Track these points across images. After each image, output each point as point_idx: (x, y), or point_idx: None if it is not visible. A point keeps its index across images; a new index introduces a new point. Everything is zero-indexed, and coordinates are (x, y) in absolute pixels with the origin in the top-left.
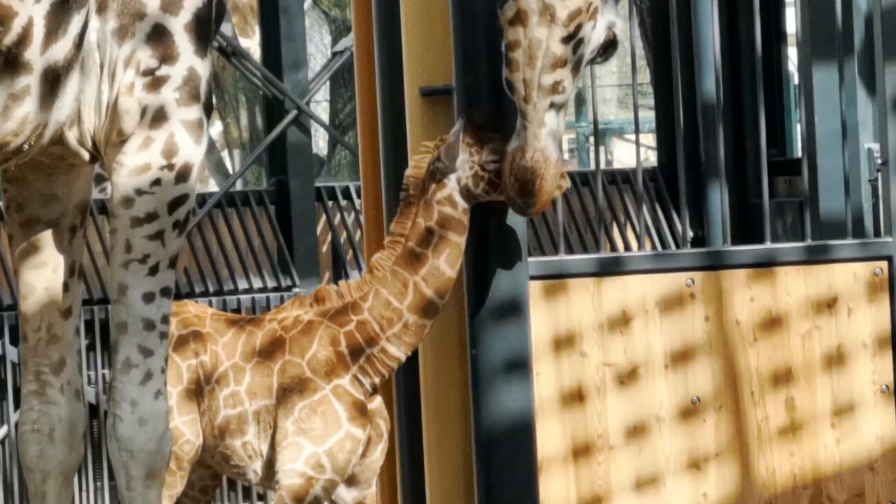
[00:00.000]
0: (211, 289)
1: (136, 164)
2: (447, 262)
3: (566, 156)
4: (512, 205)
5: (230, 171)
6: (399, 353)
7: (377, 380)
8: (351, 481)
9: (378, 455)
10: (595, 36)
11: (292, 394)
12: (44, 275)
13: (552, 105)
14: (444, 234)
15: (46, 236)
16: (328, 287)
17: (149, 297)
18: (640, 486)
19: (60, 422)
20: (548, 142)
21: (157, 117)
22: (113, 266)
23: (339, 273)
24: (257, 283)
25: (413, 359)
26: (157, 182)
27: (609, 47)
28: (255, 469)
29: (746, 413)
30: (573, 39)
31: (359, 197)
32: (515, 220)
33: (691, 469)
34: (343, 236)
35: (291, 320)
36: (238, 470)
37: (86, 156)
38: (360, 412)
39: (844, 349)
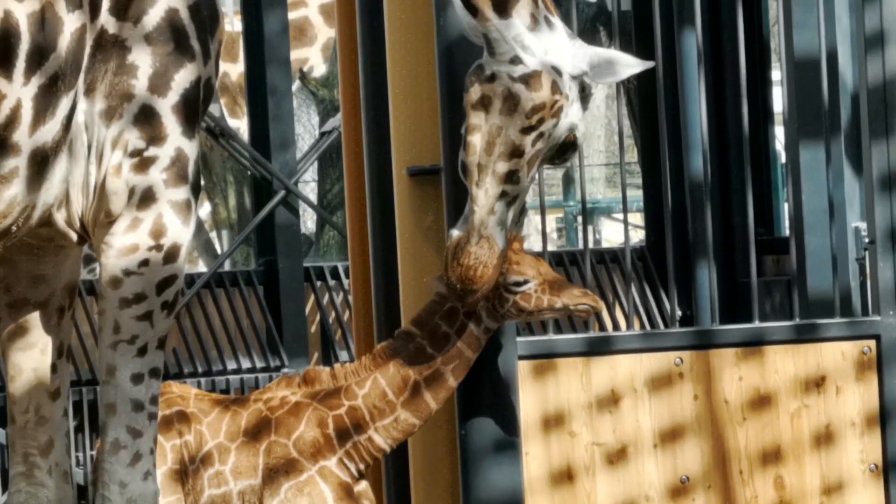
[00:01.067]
0: (200, 369)
1: (124, 244)
2: (452, 373)
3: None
4: (451, 291)
5: (218, 252)
6: (384, 445)
7: (362, 466)
8: None
9: None
10: (556, 134)
11: (278, 474)
12: (32, 356)
13: (503, 194)
14: (459, 345)
15: (34, 317)
16: (318, 368)
17: (137, 378)
18: None
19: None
20: (495, 231)
21: (145, 198)
22: (101, 347)
23: (327, 353)
24: (246, 364)
25: (403, 444)
26: (145, 263)
27: (569, 149)
28: None
29: (736, 492)
30: (533, 131)
31: (347, 277)
32: None
33: None
34: (332, 316)
35: (278, 401)
36: None
37: (74, 237)
38: (347, 494)
39: (833, 428)
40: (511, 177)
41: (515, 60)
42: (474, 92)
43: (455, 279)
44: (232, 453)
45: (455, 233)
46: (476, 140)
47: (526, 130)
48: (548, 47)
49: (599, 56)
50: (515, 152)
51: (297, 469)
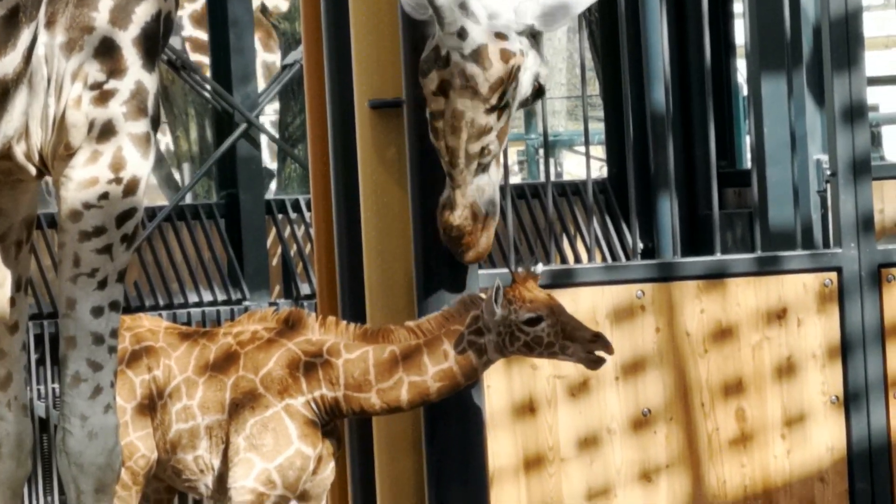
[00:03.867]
0: (161, 303)
1: (83, 178)
2: (437, 389)
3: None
4: (454, 253)
5: (180, 185)
6: (346, 410)
7: (326, 418)
8: (302, 497)
9: (329, 472)
10: (521, 92)
11: (244, 409)
12: None
13: (479, 166)
14: (454, 368)
15: None
16: (307, 312)
17: (98, 311)
18: (591, 497)
19: (7, 437)
20: (475, 197)
21: (105, 131)
22: (61, 280)
23: (289, 286)
24: (207, 297)
25: None
26: (104, 196)
27: (538, 94)
28: (207, 483)
29: (697, 424)
30: (497, 108)
31: (309, 210)
32: None
33: (642, 481)
34: (293, 249)
35: (248, 335)
36: (190, 484)
37: (33, 171)
38: (312, 430)
39: (794, 360)
40: (483, 151)
41: (462, 34)
42: (431, 80)
43: (446, 244)
44: (200, 388)
45: (441, 199)
46: (441, 126)
47: (490, 110)
48: (491, 8)
49: (545, 3)
50: (483, 131)
51: (262, 405)
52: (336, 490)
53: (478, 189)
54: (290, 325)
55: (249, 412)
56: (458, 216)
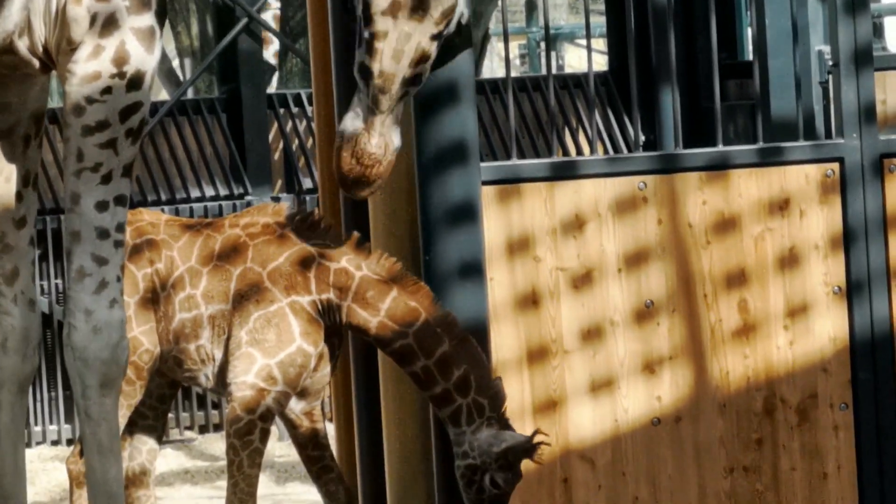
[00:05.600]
0: (163, 197)
1: (86, 72)
2: (422, 367)
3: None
4: (343, 185)
5: (181, 80)
6: (343, 321)
7: (328, 321)
8: (301, 394)
9: (329, 370)
10: (451, 28)
11: (248, 302)
12: None
13: (405, 94)
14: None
15: None
16: (321, 215)
17: (102, 206)
18: (594, 389)
19: (14, 332)
20: (392, 129)
21: (107, 25)
22: (66, 175)
23: (291, 180)
24: (210, 192)
25: None
26: (107, 90)
27: (458, 33)
28: (207, 374)
29: (700, 316)
30: (441, 37)
31: (311, 104)
32: (467, 126)
33: (645, 372)
34: (295, 144)
35: (259, 228)
36: (191, 374)
37: (37, 65)
38: (315, 328)
39: (797, 251)
40: (415, 80)
41: None
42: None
43: (351, 177)
44: (204, 277)
45: (348, 128)
46: (383, 47)
47: (434, 37)
48: None
49: None
50: (423, 58)
51: (267, 299)
52: (339, 381)
53: (395, 119)
54: (307, 225)
55: (254, 305)
56: (375, 144)
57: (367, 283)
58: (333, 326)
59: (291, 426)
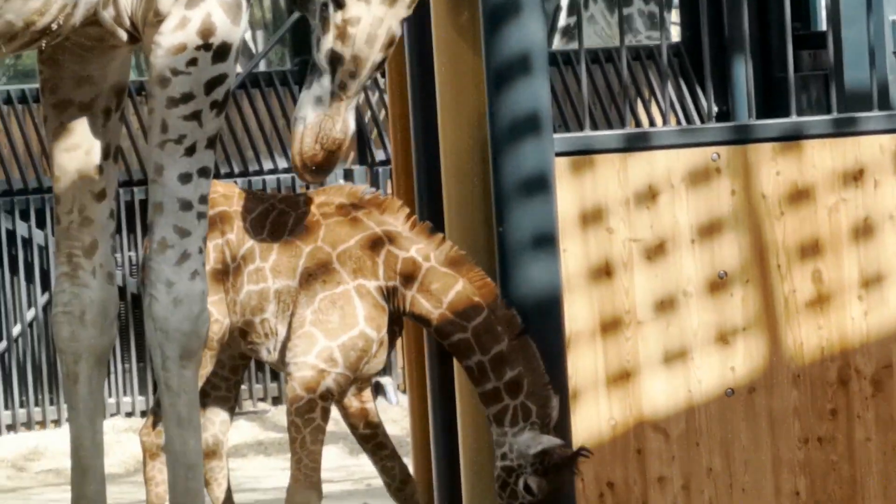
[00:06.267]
0: (236, 170)
1: (172, 44)
2: (476, 361)
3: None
4: (305, 172)
5: (254, 52)
6: (406, 310)
7: (391, 307)
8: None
9: (385, 356)
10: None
11: (315, 282)
12: (76, 157)
13: (371, 78)
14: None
15: (80, 119)
16: (402, 205)
17: (185, 178)
18: (668, 360)
19: (92, 305)
20: (352, 113)
21: None
22: (150, 146)
23: (363, 152)
24: (282, 164)
25: (441, 226)
26: (193, 62)
27: None
28: (269, 348)
29: (774, 286)
30: (405, 21)
31: (383, 76)
32: (540, 97)
33: (719, 343)
34: (367, 115)
35: (333, 208)
36: (253, 346)
37: (124, 36)
38: (379, 313)
39: (871, 221)
40: (382, 64)
41: None
42: None
43: (312, 162)
44: (274, 251)
45: (310, 114)
46: (356, 32)
47: (404, 20)
48: None
49: None
50: (392, 42)
51: (334, 280)
52: (413, 351)
53: (355, 104)
54: (381, 210)
55: (320, 285)
56: (340, 130)
57: (433, 275)
58: (396, 313)
59: (342, 406)
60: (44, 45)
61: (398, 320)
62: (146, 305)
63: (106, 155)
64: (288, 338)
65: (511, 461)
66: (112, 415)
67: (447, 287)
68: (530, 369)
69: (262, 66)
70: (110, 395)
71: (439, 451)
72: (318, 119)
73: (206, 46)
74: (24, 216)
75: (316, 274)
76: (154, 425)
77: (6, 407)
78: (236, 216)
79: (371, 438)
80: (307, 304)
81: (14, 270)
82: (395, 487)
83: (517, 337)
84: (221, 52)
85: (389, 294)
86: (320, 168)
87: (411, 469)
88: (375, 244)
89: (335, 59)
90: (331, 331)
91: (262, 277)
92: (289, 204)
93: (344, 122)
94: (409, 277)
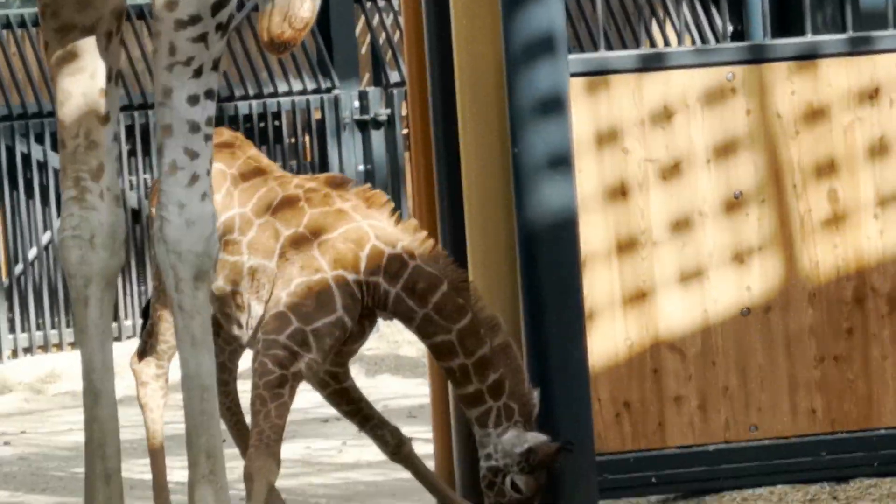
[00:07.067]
0: (251, 92)
1: None
2: (459, 364)
3: None
4: (271, 48)
5: None
6: (389, 308)
7: (369, 304)
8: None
9: (355, 348)
10: None
11: (293, 267)
12: (81, 81)
13: None
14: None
15: (83, 43)
16: (388, 201)
17: (193, 100)
18: (683, 280)
19: (101, 228)
20: None
21: None
22: (157, 69)
23: (378, 74)
24: (297, 86)
25: (455, 160)
26: None
27: None
28: (242, 322)
29: (789, 206)
30: None
31: None
32: (554, 18)
33: (735, 263)
34: (382, 37)
35: (320, 197)
36: (228, 313)
37: None
38: (354, 306)
39: (887, 140)
40: None
41: None
42: None
43: (280, 40)
44: (254, 228)
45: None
46: None
47: None
48: None
49: None
50: None
51: (313, 267)
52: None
53: None
54: (367, 203)
55: (298, 271)
56: (307, 9)
57: (418, 274)
58: (371, 308)
59: (321, 386)
60: None
61: (370, 316)
62: (157, 228)
63: (109, 78)
64: (262, 316)
65: (497, 461)
66: (128, 337)
67: (433, 287)
68: (511, 369)
69: None
70: (126, 318)
71: (459, 416)
72: (292, 3)
73: None
74: (39, 139)
75: (294, 260)
76: (141, 354)
77: (23, 330)
78: (232, 180)
79: (356, 413)
80: (283, 286)
81: (29, 194)
82: (391, 451)
83: (500, 340)
84: None
85: (369, 289)
86: (287, 45)
87: (432, 435)
88: (360, 239)
89: None
90: (305, 315)
91: (237, 251)
92: (280, 183)
93: (311, 3)
94: (393, 275)
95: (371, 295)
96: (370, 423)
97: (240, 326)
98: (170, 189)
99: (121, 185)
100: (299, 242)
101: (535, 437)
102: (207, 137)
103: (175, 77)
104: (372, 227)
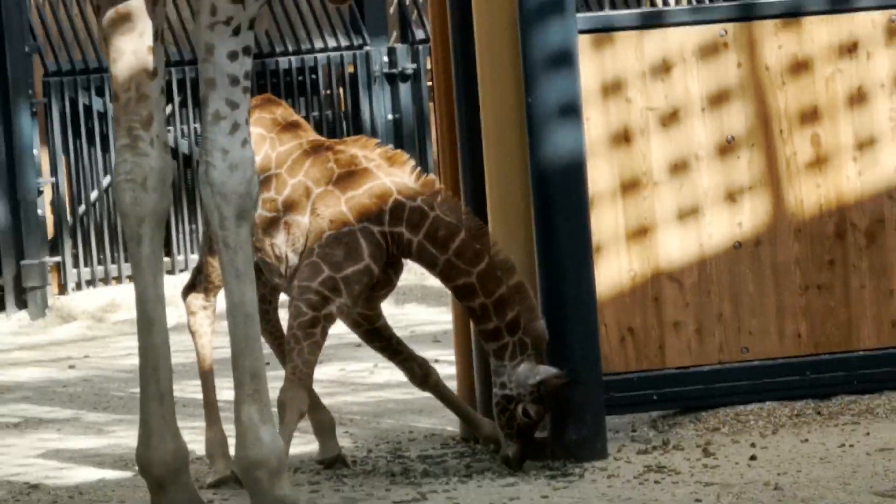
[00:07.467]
0: (290, 49)
1: None
2: (480, 303)
3: None
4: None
5: None
6: (413, 255)
7: (394, 253)
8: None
9: (383, 293)
10: None
11: (323, 221)
12: (132, 39)
13: None
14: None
15: (131, 4)
16: (409, 159)
17: (233, 56)
18: (681, 217)
19: (152, 172)
20: None
21: None
22: (200, 28)
23: (405, 32)
24: (332, 43)
25: (474, 110)
26: None
27: None
28: (280, 271)
29: (776, 150)
30: None
31: None
32: None
33: (727, 201)
34: (408, 0)
35: (347, 156)
36: (268, 260)
37: None
38: (380, 254)
39: (864, 89)
40: None
41: None
42: None
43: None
44: (288, 187)
45: None
46: None
47: None
48: None
49: None
50: None
51: (341, 221)
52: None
53: None
54: (390, 163)
55: (328, 224)
56: None
57: (438, 223)
58: (396, 257)
59: (355, 326)
60: None
61: (396, 265)
62: (202, 172)
63: (155, 36)
64: (297, 265)
65: (510, 390)
66: (181, 270)
67: (452, 235)
68: (526, 308)
69: None
70: (179, 253)
71: (478, 343)
72: None
73: None
74: (100, 92)
75: (324, 215)
76: (191, 287)
77: (85, 264)
78: (271, 143)
79: (387, 349)
80: (314, 240)
81: (91, 141)
82: (419, 382)
83: (514, 280)
84: None
85: (393, 239)
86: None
87: (455, 359)
88: (383, 194)
89: None
90: (335, 264)
91: (274, 208)
92: (313, 147)
93: None
94: (415, 225)
95: (395, 244)
96: (400, 356)
97: (279, 276)
98: (214, 136)
99: (170, 133)
100: (328, 199)
101: (547, 371)
102: (245, 90)
103: (216, 35)
104: (394, 184)
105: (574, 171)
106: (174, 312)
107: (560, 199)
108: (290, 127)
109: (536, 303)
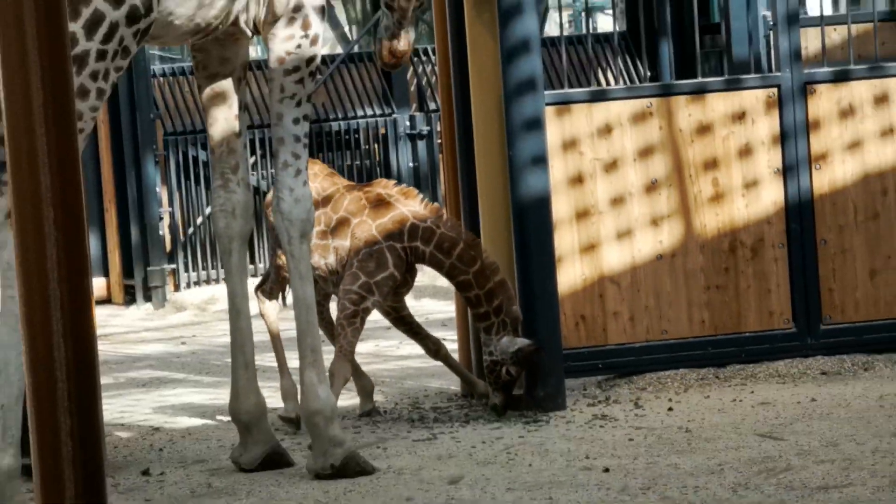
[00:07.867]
0: (339, 115)
1: (285, 34)
2: (477, 294)
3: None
4: (384, 66)
5: (350, 39)
6: (426, 260)
7: (411, 260)
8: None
9: (404, 291)
10: None
11: (360, 241)
12: (223, 109)
13: (415, 14)
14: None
15: (223, 84)
16: (419, 194)
17: (296, 121)
18: (619, 237)
19: (239, 204)
20: (411, 30)
21: (296, 7)
22: (272, 102)
23: (422, 104)
24: (369, 111)
25: (471, 161)
26: (298, 46)
27: None
28: (333, 281)
29: (687, 189)
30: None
31: (434, 54)
32: (536, 67)
33: (652, 226)
34: (424, 80)
35: (374, 195)
36: (321, 275)
37: (249, 32)
38: (401, 263)
39: (750, 145)
40: (417, 8)
41: None
42: None
43: (389, 61)
44: (334, 221)
45: (385, 36)
46: None
47: None
48: None
49: None
50: None
51: (373, 240)
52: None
53: (412, 24)
54: (406, 197)
55: (363, 244)
56: (402, 44)
57: (443, 237)
58: (413, 264)
59: (386, 314)
60: (201, 38)
61: (412, 270)
62: (275, 204)
63: (240, 107)
64: (342, 276)
65: (496, 357)
66: (260, 274)
67: (454, 245)
68: (507, 297)
69: (356, 49)
70: (260, 262)
71: (473, 328)
72: (390, 41)
73: (305, 36)
74: (203, 147)
75: (360, 237)
76: (261, 285)
77: (193, 269)
78: (315, 192)
79: (409, 331)
80: (354, 255)
81: (197, 182)
82: (433, 353)
83: (499, 277)
84: (315, 40)
85: (411, 251)
86: (394, 65)
87: (457, 337)
88: (402, 219)
89: (389, 7)
90: (369, 272)
91: (326, 237)
92: (348, 190)
93: (405, 40)
94: (427, 239)
95: (413, 254)
96: (418, 336)
97: (332, 284)
98: (283, 179)
99: (251, 177)
100: (363, 226)
101: (522, 342)
102: (305, 146)
103: (285, 107)
104: (409, 211)
105: (542, 204)
106: (254, 304)
107: (532, 223)
108: (329, 176)
109: (515, 294)
